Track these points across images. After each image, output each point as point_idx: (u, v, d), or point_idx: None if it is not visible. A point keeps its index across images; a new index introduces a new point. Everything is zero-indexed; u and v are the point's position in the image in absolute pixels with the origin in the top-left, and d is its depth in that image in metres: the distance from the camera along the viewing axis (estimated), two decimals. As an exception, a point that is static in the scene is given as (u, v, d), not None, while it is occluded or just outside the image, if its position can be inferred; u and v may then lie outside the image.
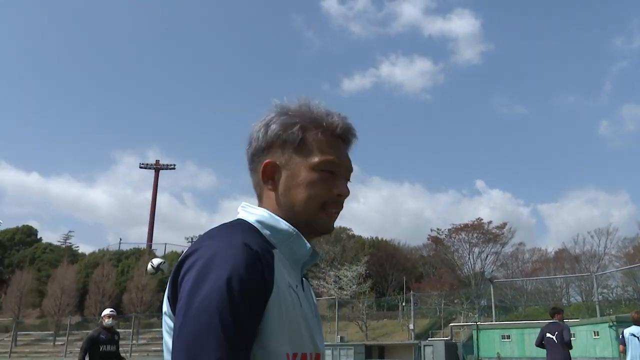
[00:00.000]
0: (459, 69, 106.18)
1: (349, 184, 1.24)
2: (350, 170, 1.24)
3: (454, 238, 55.99)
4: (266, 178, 1.19)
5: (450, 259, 56.41)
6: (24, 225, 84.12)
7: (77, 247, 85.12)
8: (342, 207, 1.21)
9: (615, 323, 26.81)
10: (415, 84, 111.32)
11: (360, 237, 68.00)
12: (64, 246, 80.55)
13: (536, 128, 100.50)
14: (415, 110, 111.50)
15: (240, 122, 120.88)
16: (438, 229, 58.45)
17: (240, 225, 1.13)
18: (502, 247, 55.19)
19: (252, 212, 1.19)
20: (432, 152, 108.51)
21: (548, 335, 10.28)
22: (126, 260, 70.65)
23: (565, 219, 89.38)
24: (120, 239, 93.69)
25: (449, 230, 56.78)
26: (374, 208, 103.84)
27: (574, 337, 34.20)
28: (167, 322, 1.07)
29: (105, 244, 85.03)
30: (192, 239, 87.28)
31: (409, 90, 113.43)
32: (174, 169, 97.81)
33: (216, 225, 1.14)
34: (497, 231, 54.61)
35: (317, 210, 1.17)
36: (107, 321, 6.31)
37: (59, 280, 56.31)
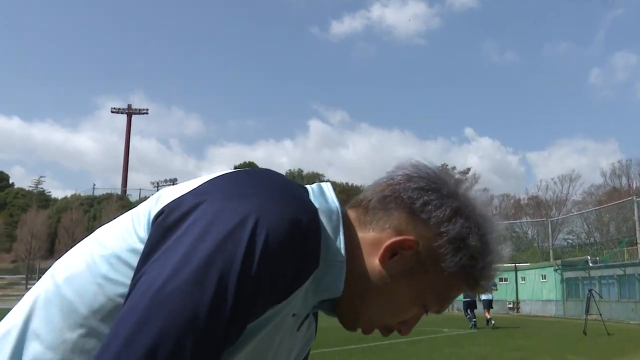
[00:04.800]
0: (455, 13, 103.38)
1: None
2: None
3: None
4: (393, 249, 0.82)
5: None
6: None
7: (50, 192, 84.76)
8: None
9: (560, 267, 27.87)
10: (408, 28, 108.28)
11: (334, 182, 68.36)
12: (35, 191, 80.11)
13: (527, 76, 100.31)
14: (407, 55, 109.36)
15: (228, 67, 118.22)
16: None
17: (308, 192, 0.83)
18: (466, 193, 55.93)
19: (330, 199, 0.83)
20: (422, 98, 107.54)
21: None
22: (98, 206, 70.52)
23: (553, 167, 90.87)
24: (94, 184, 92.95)
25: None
26: (362, 155, 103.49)
27: (523, 280, 36.36)
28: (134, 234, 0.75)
29: (90, 191, 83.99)
30: (157, 184, 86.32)
31: (401, 33, 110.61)
32: (146, 113, 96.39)
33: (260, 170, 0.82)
34: (461, 176, 54.63)
35: (367, 324, 0.87)
36: None
37: (28, 225, 56.35)
